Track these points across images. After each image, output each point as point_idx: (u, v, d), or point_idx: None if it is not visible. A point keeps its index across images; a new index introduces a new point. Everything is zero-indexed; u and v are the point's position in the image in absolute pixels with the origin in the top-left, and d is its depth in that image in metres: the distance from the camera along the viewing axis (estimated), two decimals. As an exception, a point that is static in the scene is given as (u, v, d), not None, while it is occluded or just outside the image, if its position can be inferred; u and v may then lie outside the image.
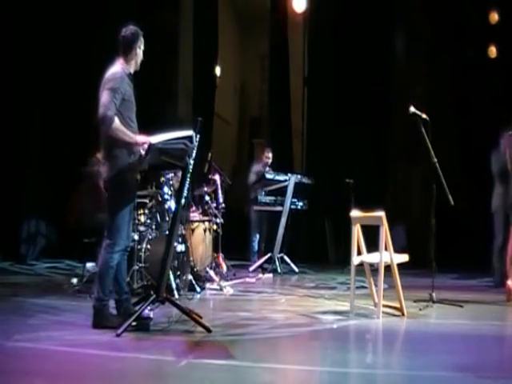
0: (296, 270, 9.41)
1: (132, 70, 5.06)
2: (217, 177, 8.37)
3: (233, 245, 9.33)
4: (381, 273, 5.59)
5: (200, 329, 4.79)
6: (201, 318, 4.96)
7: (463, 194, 7.68)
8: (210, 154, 8.32)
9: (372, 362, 4.27)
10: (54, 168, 9.94)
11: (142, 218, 7.01)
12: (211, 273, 7.75)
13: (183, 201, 5.20)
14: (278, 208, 9.56)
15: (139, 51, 5.06)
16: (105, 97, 4.82)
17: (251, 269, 9.21)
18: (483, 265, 8.19)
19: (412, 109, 6.45)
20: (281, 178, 9.51)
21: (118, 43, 5.05)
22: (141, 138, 4.88)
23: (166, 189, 6.95)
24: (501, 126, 7.46)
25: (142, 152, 4.89)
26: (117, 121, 4.81)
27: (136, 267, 6.61)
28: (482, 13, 10.45)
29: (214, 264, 8.06)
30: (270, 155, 9.91)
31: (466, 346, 4.70)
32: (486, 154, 7.83)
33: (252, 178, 9.81)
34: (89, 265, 7.00)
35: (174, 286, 6.31)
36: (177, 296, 6.25)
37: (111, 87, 4.83)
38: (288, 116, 12.14)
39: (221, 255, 8.39)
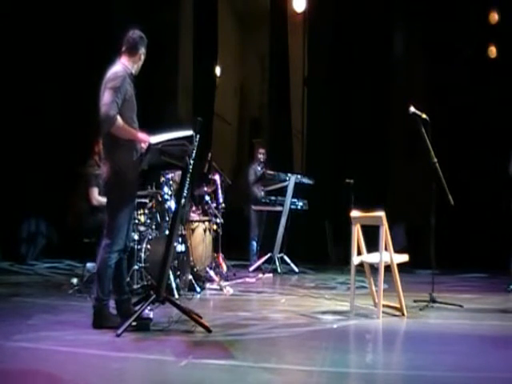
0: (296, 269, 9.40)
1: (134, 71, 5.07)
2: (217, 177, 8.37)
3: (233, 245, 9.34)
4: (381, 273, 5.59)
5: (200, 329, 4.79)
6: (201, 318, 4.96)
7: (464, 194, 7.63)
8: (210, 154, 8.33)
9: (372, 362, 4.26)
10: (53, 168, 9.93)
11: (142, 218, 7.01)
12: (211, 273, 7.75)
13: (183, 201, 5.20)
14: (278, 208, 9.57)
15: (142, 56, 5.08)
16: (106, 96, 4.81)
17: (251, 269, 9.22)
18: (483, 265, 8.19)
19: (412, 109, 6.44)
20: (281, 177, 9.51)
21: (122, 43, 5.05)
22: (143, 136, 4.90)
23: (166, 189, 6.95)
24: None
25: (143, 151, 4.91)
26: (119, 119, 4.81)
27: (136, 267, 6.61)
28: (482, 13, 10.44)
29: (213, 264, 8.06)
30: (262, 150, 9.94)
31: (466, 346, 4.69)
32: (487, 153, 7.82)
33: (252, 177, 9.81)
34: (89, 265, 7.01)
35: (174, 285, 6.31)
36: (177, 296, 6.26)
37: (113, 86, 4.83)
38: (288, 116, 12.13)
39: (221, 255, 8.39)
